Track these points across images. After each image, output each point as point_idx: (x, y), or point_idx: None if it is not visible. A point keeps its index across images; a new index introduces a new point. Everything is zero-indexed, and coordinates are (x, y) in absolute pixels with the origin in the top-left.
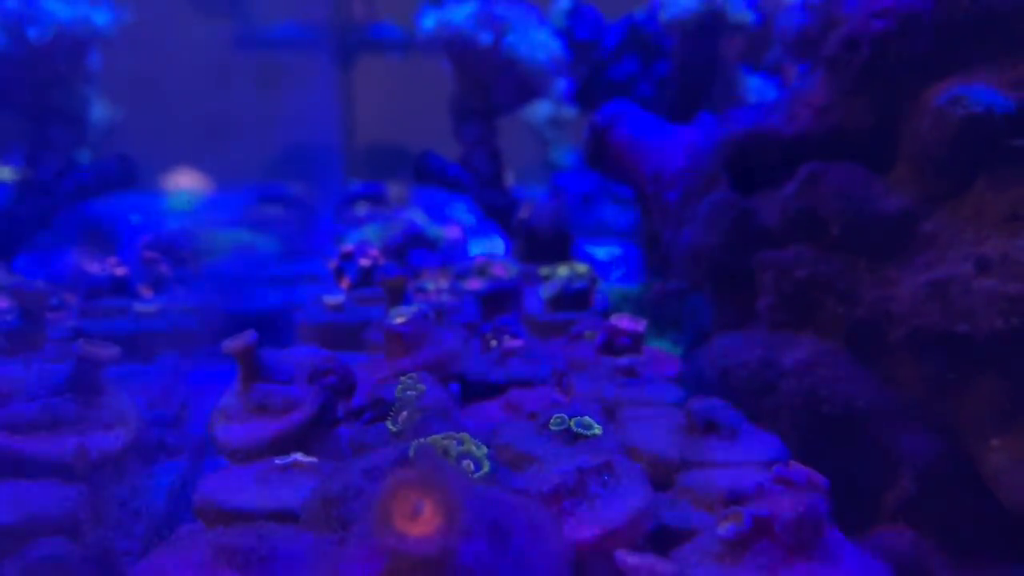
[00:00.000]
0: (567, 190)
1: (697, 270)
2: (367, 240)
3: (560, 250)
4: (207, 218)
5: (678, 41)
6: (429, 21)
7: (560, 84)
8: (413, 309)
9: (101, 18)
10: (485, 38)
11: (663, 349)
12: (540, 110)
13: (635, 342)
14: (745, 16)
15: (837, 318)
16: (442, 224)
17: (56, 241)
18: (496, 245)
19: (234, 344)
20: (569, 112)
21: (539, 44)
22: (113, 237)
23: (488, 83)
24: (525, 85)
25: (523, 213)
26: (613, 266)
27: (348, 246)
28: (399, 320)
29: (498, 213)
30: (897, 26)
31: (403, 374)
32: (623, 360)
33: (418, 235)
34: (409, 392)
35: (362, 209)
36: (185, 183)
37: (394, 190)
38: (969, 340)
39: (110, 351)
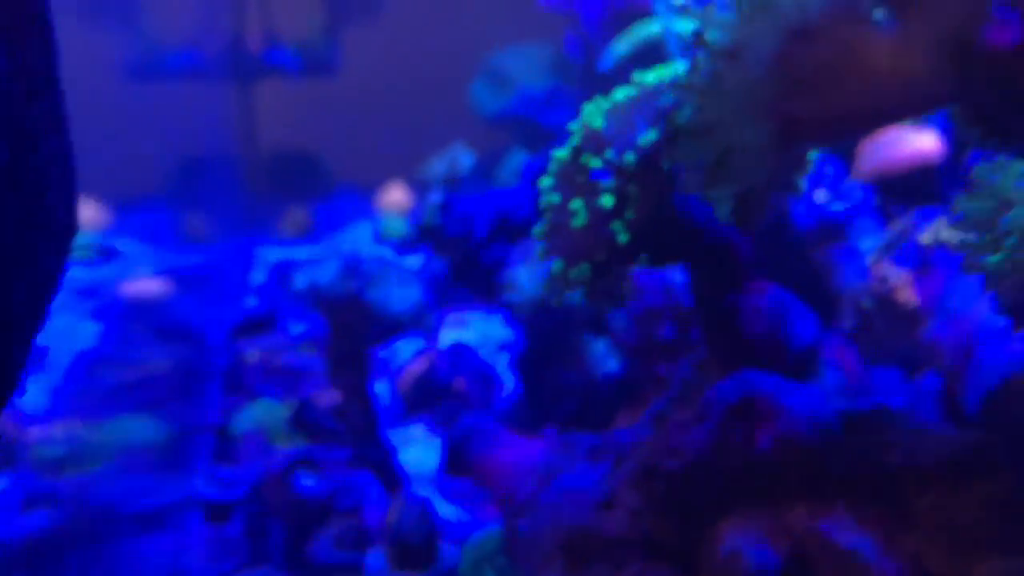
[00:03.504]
0: None
1: None
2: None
3: (429, 553)
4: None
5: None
6: (300, 282)
7: (430, 319)
8: None
9: None
10: (349, 292)
11: None
12: (437, 169)
13: None
14: None
15: None
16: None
17: None
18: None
19: None
20: (465, 169)
21: (398, 297)
22: None
23: (357, 330)
24: (390, 328)
25: (390, 516)
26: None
27: None
28: None
29: (373, 465)
30: (684, 469)
31: None
32: None
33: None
34: None
35: (253, 357)
36: (84, 219)
37: (295, 215)
38: None
39: None
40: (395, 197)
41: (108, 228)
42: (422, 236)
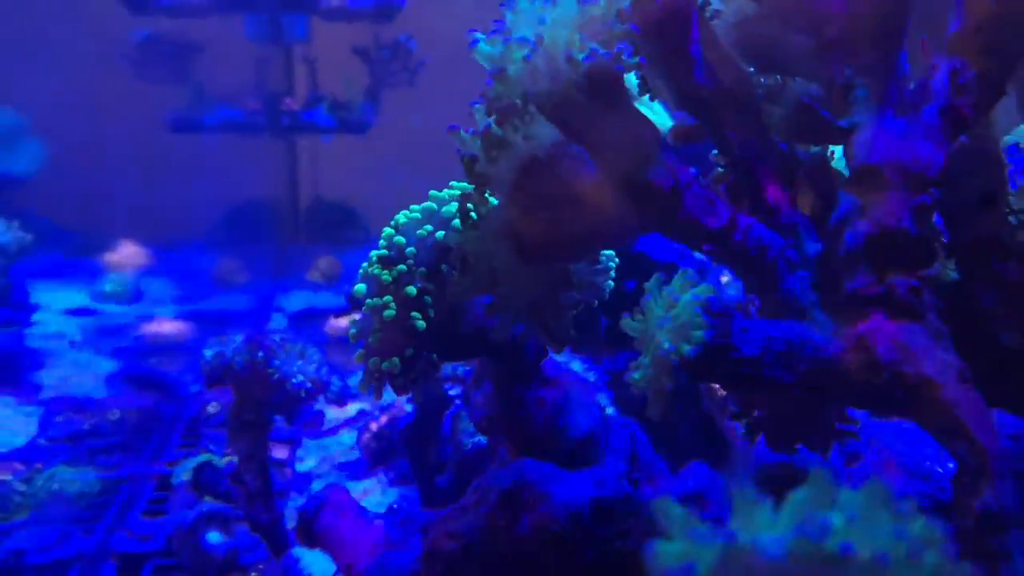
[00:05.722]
0: None
1: None
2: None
3: None
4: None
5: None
6: (208, 353)
7: (334, 385)
8: None
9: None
10: (251, 363)
11: None
12: None
13: None
14: None
15: None
16: None
17: None
18: None
19: None
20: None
21: (299, 369)
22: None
23: (260, 400)
24: (292, 399)
25: None
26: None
27: None
28: None
29: (262, 529)
30: (459, 551)
31: None
32: None
33: None
34: None
35: (214, 408)
36: (124, 259)
37: (323, 263)
38: None
39: None
40: None
41: (145, 269)
42: (352, 306)
